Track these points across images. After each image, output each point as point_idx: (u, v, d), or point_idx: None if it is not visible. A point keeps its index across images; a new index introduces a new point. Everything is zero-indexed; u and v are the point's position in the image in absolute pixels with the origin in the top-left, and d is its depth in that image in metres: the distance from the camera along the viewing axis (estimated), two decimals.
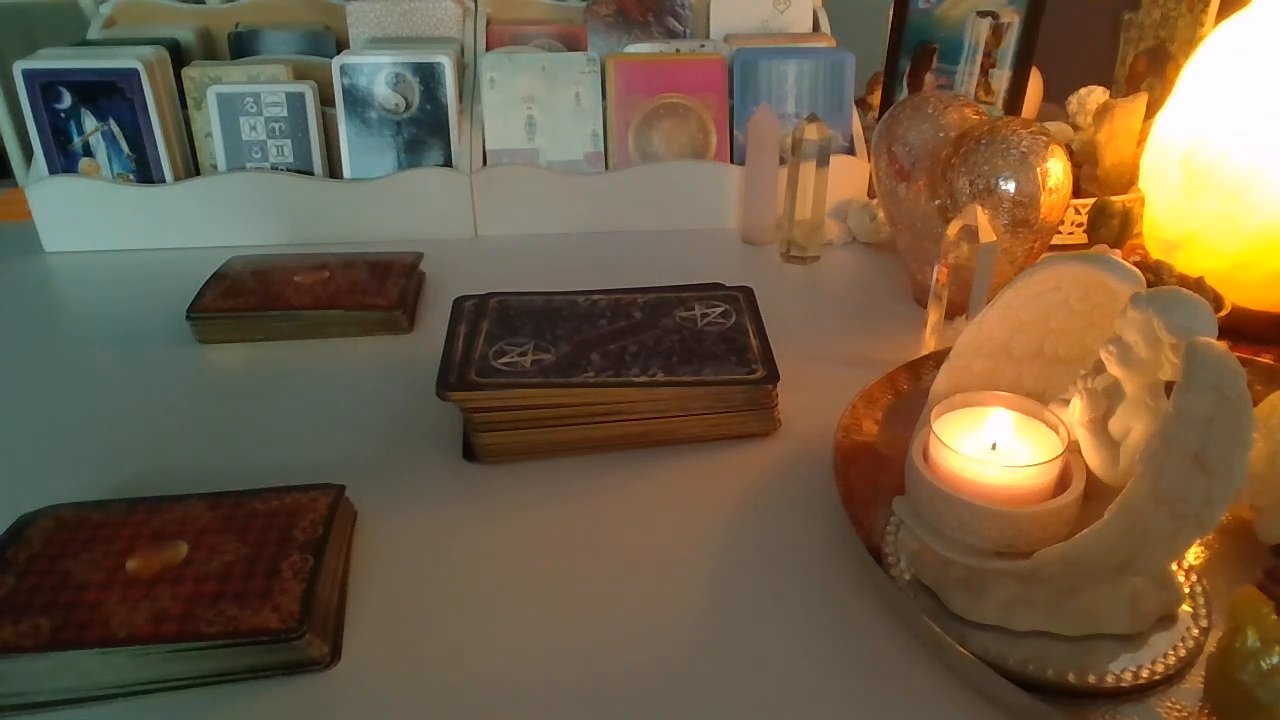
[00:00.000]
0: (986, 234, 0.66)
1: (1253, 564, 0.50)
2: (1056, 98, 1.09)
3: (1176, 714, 0.42)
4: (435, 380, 0.59)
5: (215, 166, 0.94)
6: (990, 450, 0.48)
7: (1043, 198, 0.70)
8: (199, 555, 0.47)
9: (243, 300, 0.76)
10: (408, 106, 0.94)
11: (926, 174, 0.75)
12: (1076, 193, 0.81)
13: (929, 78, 1.02)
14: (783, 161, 0.93)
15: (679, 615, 0.49)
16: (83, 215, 0.92)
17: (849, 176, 0.99)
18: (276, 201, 0.93)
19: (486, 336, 0.64)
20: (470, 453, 0.61)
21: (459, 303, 0.68)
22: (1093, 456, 0.46)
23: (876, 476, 0.56)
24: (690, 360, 0.61)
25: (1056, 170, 0.70)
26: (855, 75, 0.99)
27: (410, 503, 0.57)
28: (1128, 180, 0.91)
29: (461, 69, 0.98)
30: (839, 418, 0.60)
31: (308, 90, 0.92)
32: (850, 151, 1.00)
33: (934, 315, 0.71)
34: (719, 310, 0.68)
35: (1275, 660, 0.39)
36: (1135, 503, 0.39)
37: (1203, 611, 0.46)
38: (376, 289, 0.79)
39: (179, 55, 0.96)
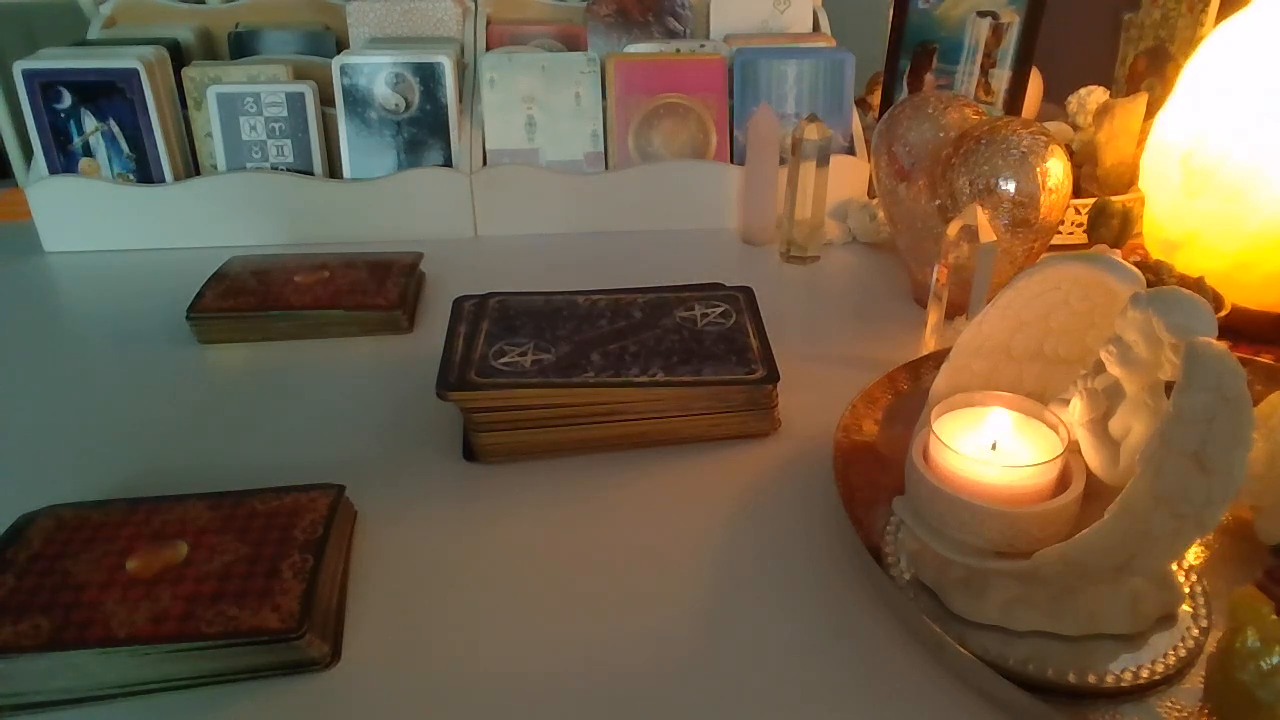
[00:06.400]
0: (986, 234, 0.66)
1: (1253, 564, 0.50)
2: (1056, 98, 1.09)
3: (1176, 714, 0.42)
4: (435, 380, 0.59)
5: (215, 166, 0.94)
6: (990, 450, 0.48)
7: (1043, 198, 0.70)
8: (199, 555, 0.47)
9: (243, 300, 0.76)
10: (408, 106, 0.94)
11: (926, 174, 0.75)
12: (1076, 193, 0.81)
13: (929, 78, 1.02)
14: (783, 161, 0.93)
15: (678, 615, 0.49)
16: (83, 215, 0.92)
17: (849, 176, 0.99)
18: (276, 201, 0.93)
19: (486, 336, 0.64)
20: (470, 453, 0.61)
21: (459, 303, 0.68)
22: (1093, 456, 0.46)
23: (876, 476, 0.56)
24: (690, 360, 0.61)
25: (1056, 170, 0.70)
26: (855, 75, 0.99)
27: (410, 502, 0.57)
28: (1128, 180, 0.91)
29: (461, 69, 0.98)
30: (839, 418, 0.60)
31: (308, 90, 0.92)
32: (850, 151, 1.00)
33: (934, 315, 0.71)
34: (719, 310, 0.68)
35: (1275, 660, 0.39)
36: (1135, 503, 0.39)
37: (1203, 611, 0.46)
38: (376, 289, 0.78)
39: (179, 55, 0.96)
